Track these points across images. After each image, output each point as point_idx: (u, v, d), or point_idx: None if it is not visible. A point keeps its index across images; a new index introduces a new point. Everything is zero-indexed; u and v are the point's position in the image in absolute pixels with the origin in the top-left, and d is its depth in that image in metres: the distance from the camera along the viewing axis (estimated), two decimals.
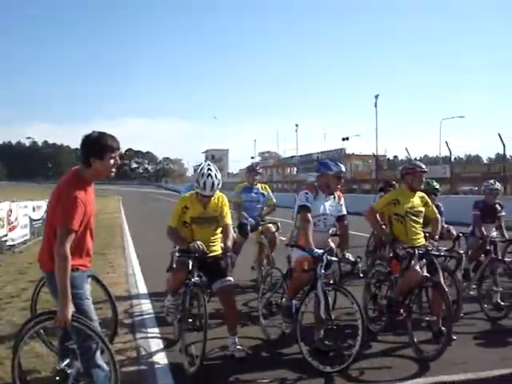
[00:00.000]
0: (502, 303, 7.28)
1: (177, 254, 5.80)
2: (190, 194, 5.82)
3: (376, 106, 63.11)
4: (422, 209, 6.21)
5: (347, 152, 72.86)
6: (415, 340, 5.66)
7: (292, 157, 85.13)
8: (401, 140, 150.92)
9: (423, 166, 6.27)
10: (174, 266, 5.71)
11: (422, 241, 6.15)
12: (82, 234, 3.97)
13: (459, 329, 6.55)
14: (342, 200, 5.94)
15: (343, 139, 75.10)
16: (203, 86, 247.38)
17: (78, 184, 3.92)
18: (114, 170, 4.07)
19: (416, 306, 5.91)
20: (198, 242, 5.46)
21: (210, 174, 5.50)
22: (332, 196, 5.83)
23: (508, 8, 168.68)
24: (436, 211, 6.44)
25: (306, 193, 5.72)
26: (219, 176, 5.59)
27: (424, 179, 6.38)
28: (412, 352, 5.65)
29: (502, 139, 23.85)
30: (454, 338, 6.03)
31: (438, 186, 7.93)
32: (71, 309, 3.74)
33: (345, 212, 5.93)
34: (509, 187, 40.13)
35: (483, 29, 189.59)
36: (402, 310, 6.05)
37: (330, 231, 6.20)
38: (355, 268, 5.54)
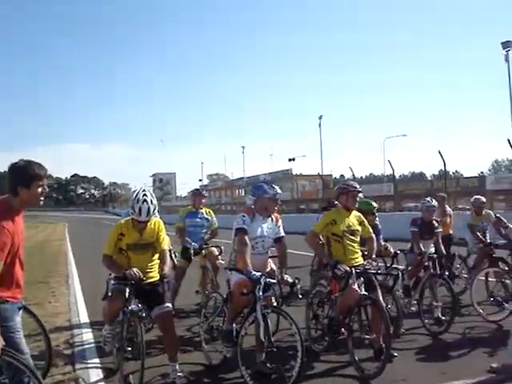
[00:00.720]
0: (443, 318, 7.40)
1: (112, 282, 5.69)
2: (125, 221, 5.72)
3: (320, 127, 64.15)
4: (359, 228, 6.27)
5: (294, 172, 73.67)
6: (356, 358, 5.70)
7: (240, 178, 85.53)
8: (346, 159, 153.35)
9: (356, 186, 6.36)
10: (110, 294, 5.60)
11: (359, 260, 6.20)
12: (10, 265, 3.85)
13: (400, 345, 6.65)
14: (280, 222, 5.95)
15: (290, 160, 75.96)
16: (151, 110, 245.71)
17: (5, 214, 3.82)
18: (42, 198, 3.97)
19: (357, 325, 5.97)
20: (135, 269, 5.36)
21: (145, 200, 5.43)
22: (269, 218, 5.83)
23: (443, 22, 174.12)
24: (371, 230, 6.51)
25: (243, 216, 5.70)
26: (155, 201, 5.53)
27: (359, 198, 6.46)
28: (354, 371, 5.67)
29: (442, 156, 24.47)
30: (395, 354, 6.12)
31: (376, 206, 8.04)
32: (1, 342, 3.61)
33: (282, 234, 5.93)
34: (452, 202, 41.23)
35: (420, 45, 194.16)
36: (342, 329, 6.07)
37: (269, 253, 6.20)
38: (294, 289, 5.53)
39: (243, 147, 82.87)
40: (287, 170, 74.91)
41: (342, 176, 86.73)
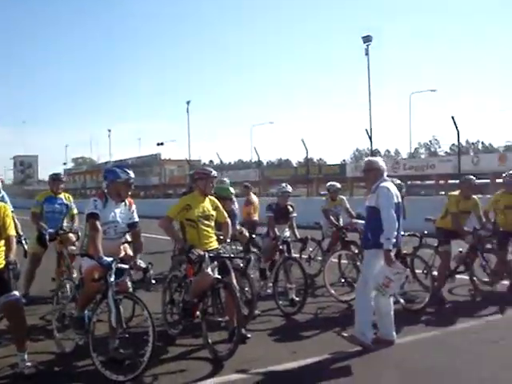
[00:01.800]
0: (297, 299, 7.69)
1: None
2: None
3: (188, 112, 64.11)
4: (214, 213, 6.32)
5: (162, 157, 73.05)
6: (210, 341, 5.76)
7: (106, 162, 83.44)
8: (215, 145, 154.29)
9: (214, 172, 6.41)
10: None
11: (214, 244, 6.25)
12: None
13: (255, 326, 6.82)
14: (134, 207, 5.85)
15: (158, 144, 75.22)
16: (11, 89, 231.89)
17: None
18: None
19: (212, 308, 6.04)
20: None
21: None
22: (123, 203, 5.74)
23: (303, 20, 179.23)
24: (226, 215, 6.59)
25: (95, 200, 5.56)
26: None
27: (215, 184, 6.52)
28: (208, 353, 5.74)
29: (304, 144, 25.27)
30: (249, 335, 6.26)
31: (233, 192, 8.17)
32: None
33: (136, 219, 5.85)
34: (314, 188, 42.86)
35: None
36: (197, 313, 6.12)
37: (125, 238, 6.12)
38: (147, 275, 5.49)
39: (109, 130, 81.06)
40: (155, 155, 74.15)
41: (210, 161, 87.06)
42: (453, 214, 8.48)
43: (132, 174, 5.71)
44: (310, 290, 8.93)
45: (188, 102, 65.83)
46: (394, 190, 6.25)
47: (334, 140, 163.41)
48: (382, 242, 5.87)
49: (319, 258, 10.39)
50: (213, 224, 6.34)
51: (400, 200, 6.37)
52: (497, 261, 8.54)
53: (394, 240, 5.93)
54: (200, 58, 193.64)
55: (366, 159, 6.82)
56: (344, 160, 79.89)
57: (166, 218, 6.18)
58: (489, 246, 9.01)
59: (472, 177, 8.80)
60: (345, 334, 6.08)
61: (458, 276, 8.76)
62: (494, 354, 5.71)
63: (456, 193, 8.78)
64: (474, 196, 8.76)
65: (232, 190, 8.14)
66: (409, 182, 49.79)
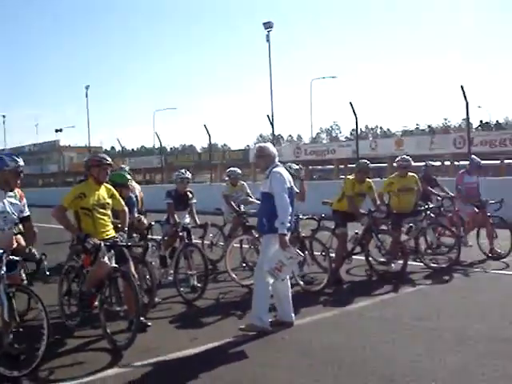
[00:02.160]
0: (199, 285, 7.69)
1: None
2: None
3: (87, 97, 62.41)
4: (109, 200, 6.17)
5: (62, 144, 70.76)
6: (108, 331, 5.65)
7: (3, 150, 79.83)
8: (117, 131, 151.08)
9: (108, 159, 6.25)
10: None
11: (111, 232, 6.11)
12: None
13: (156, 314, 6.79)
14: (24, 200, 5.58)
15: (57, 131, 72.85)
16: None
17: None
18: None
19: (111, 298, 5.93)
20: None
21: None
22: (12, 193, 5.48)
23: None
24: (123, 203, 6.46)
25: None
26: None
27: (109, 171, 6.35)
28: (107, 343, 5.64)
29: (207, 129, 25.18)
30: (149, 324, 6.22)
31: (130, 178, 8.01)
32: None
33: (28, 213, 5.59)
34: (218, 174, 42.93)
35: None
36: (96, 303, 5.99)
37: (17, 229, 5.89)
38: (41, 266, 5.30)
39: (4, 116, 77.61)
40: (54, 142, 71.66)
41: (112, 148, 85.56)
42: (348, 197, 8.76)
43: (21, 162, 5.45)
44: (212, 275, 9.02)
45: (87, 87, 64.06)
46: (287, 174, 6.33)
47: (238, 126, 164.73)
48: (277, 227, 5.94)
49: (221, 244, 10.43)
50: (109, 212, 6.18)
51: (293, 185, 6.46)
52: (391, 241, 8.90)
53: (289, 224, 6.01)
54: (101, 43, 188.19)
55: (257, 145, 6.85)
56: (248, 145, 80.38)
57: (59, 208, 5.94)
58: (384, 227, 9.38)
59: (366, 161, 9.12)
60: (242, 327, 6.07)
61: (354, 257, 9.09)
62: (388, 331, 5.94)
63: (351, 176, 9.08)
64: (369, 179, 9.09)
65: (129, 176, 7.97)
66: (310, 167, 51.12)
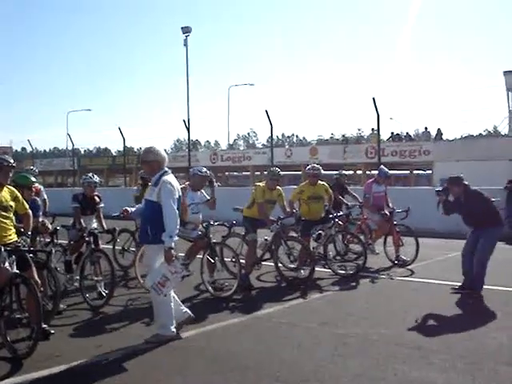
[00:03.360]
0: (105, 291, 7.52)
1: None
2: None
3: None
4: (12, 203, 5.94)
5: None
6: (9, 339, 5.45)
7: None
8: (28, 132, 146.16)
9: (10, 160, 6.01)
10: None
11: (13, 237, 5.88)
12: None
13: (60, 321, 6.62)
14: None
15: None
16: None
17: None
18: None
19: (12, 304, 5.70)
20: None
21: None
22: None
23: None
24: (27, 206, 6.23)
25: None
26: None
27: (11, 173, 6.10)
28: (7, 352, 5.42)
29: (121, 133, 24.79)
30: (52, 331, 6.05)
31: (34, 180, 7.74)
32: None
33: None
34: (134, 177, 42.29)
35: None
36: None
37: None
38: None
39: None
40: None
41: (23, 149, 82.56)
42: (258, 204, 8.84)
43: None
44: (123, 281, 8.91)
45: None
46: (176, 183, 6.06)
47: (155, 130, 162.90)
48: (164, 240, 5.70)
49: (133, 250, 10.23)
50: (11, 216, 5.95)
51: (181, 194, 6.21)
52: (300, 248, 9.03)
53: (176, 238, 5.78)
54: (10, 38, 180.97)
55: (144, 148, 6.42)
56: (165, 150, 79.98)
57: None
58: (293, 233, 9.52)
59: (277, 168, 9.24)
60: (147, 338, 5.86)
61: (264, 263, 9.18)
62: (295, 336, 6.02)
63: (262, 184, 9.18)
64: (279, 187, 9.20)
65: (33, 178, 7.68)
66: (226, 173, 51.25)
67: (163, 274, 5.78)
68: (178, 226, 5.79)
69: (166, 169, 6.07)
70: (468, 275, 7.76)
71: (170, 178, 5.98)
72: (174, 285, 6.03)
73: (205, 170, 8.60)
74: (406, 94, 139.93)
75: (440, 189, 8.19)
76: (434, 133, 35.59)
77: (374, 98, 17.14)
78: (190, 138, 28.35)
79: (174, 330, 5.96)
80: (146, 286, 6.43)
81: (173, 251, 5.73)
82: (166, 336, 5.86)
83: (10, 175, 6.02)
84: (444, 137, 35.17)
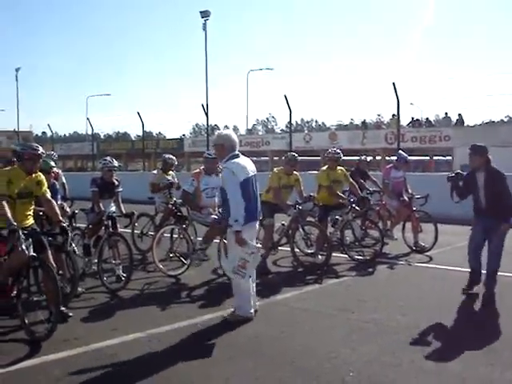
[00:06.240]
0: (124, 275, 7.58)
1: None
2: None
3: (17, 80, 60.72)
4: (35, 189, 5.97)
5: None
6: (26, 321, 5.51)
7: None
8: (49, 116, 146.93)
9: (40, 149, 5.97)
10: None
11: (30, 221, 5.97)
12: None
13: (78, 304, 6.68)
14: None
15: None
16: None
17: None
18: None
19: (30, 287, 5.76)
20: None
21: None
22: None
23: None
24: (49, 192, 6.24)
25: None
26: None
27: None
28: (25, 334, 5.49)
29: (140, 117, 24.81)
30: (70, 314, 6.10)
31: (53, 165, 7.79)
32: None
33: None
34: (152, 162, 42.49)
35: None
36: (14, 293, 5.81)
37: None
38: None
39: None
40: None
41: (43, 133, 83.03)
42: (274, 189, 8.82)
43: None
44: (141, 265, 8.97)
45: (17, 69, 62.05)
46: (244, 164, 6.11)
47: (174, 115, 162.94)
48: (230, 224, 5.88)
49: (151, 234, 10.25)
50: (32, 201, 6.02)
51: (255, 172, 6.27)
52: (317, 234, 9.01)
53: (242, 221, 5.84)
54: (32, 24, 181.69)
55: (216, 132, 6.65)
56: (183, 135, 79.70)
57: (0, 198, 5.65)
58: (311, 219, 9.49)
59: (294, 153, 9.21)
60: (226, 316, 6.11)
61: (280, 248, 9.16)
62: (310, 321, 6.04)
63: (279, 169, 9.16)
64: (296, 172, 9.17)
65: (53, 163, 7.73)
66: None
67: (240, 257, 5.93)
68: (241, 210, 5.84)
69: (237, 152, 6.13)
70: (476, 273, 7.13)
71: (235, 161, 6.04)
72: (255, 265, 6.19)
73: (214, 152, 8.63)
74: (426, 79, 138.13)
75: (452, 174, 7.43)
76: (454, 118, 35.01)
77: (394, 83, 16.96)
78: (209, 123, 28.31)
79: (252, 311, 6.09)
80: (226, 272, 6.53)
81: (241, 234, 5.84)
82: (242, 316, 6.01)
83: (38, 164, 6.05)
84: (466, 123, 34.67)
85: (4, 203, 5.59)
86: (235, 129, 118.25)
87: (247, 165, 6.16)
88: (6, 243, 5.65)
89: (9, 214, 5.52)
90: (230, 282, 6.51)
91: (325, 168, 9.74)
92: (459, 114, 34.26)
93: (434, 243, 9.96)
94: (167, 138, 57.16)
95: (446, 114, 37.27)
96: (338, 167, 9.86)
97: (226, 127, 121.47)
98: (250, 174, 6.10)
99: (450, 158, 35.22)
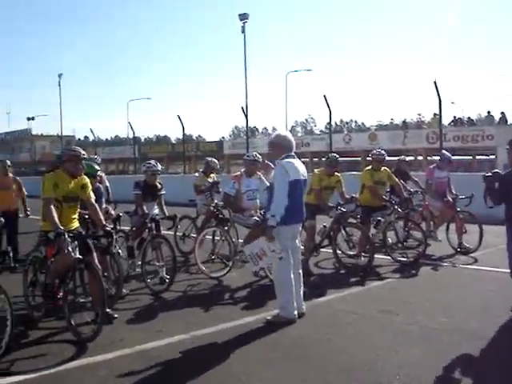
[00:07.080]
0: (167, 277, 7.64)
1: None
2: None
3: (60, 86, 61.95)
4: (80, 192, 6.07)
5: (34, 132, 69.87)
6: (73, 323, 5.59)
7: None
8: (90, 121, 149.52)
9: (83, 152, 6.12)
10: None
11: (75, 224, 6.08)
12: None
13: (123, 306, 6.75)
14: None
15: (29, 119, 71.95)
16: None
17: None
18: None
19: (76, 289, 5.86)
20: None
21: None
22: None
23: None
24: (92, 195, 6.32)
25: None
26: None
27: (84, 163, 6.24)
28: (72, 335, 5.58)
29: (181, 120, 25.01)
30: (116, 315, 6.18)
31: (99, 169, 7.91)
32: None
33: None
34: (192, 165, 42.81)
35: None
36: (60, 294, 5.92)
37: None
38: (6, 257, 5.22)
39: None
40: (26, 130, 70.67)
41: (86, 137, 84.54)
42: (315, 191, 8.79)
43: None
44: (184, 267, 9.01)
45: (60, 75, 63.29)
46: (297, 166, 6.21)
47: (213, 117, 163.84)
48: (267, 218, 5.95)
49: (193, 236, 10.32)
50: (77, 205, 6.13)
51: (305, 177, 6.38)
52: (360, 235, 8.94)
53: (278, 218, 5.90)
54: (73, 28, 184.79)
55: (275, 132, 6.81)
56: (223, 137, 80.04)
57: (48, 201, 5.77)
58: (353, 220, 9.43)
59: (335, 155, 9.17)
60: (268, 318, 6.10)
61: (322, 250, 9.13)
62: (354, 324, 5.99)
63: (319, 170, 9.13)
64: (338, 173, 9.12)
65: (97, 167, 7.86)
66: None
67: (261, 248, 6.02)
68: (281, 208, 5.93)
69: (293, 153, 6.27)
70: None
71: (289, 160, 6.16)
72: (270, 262, 6.24)
73: (253, 154, 8.69)
74: (468, 78, 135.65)
75: (489, 174, 6.57)
76: (497, 117, 34.34)
77: (435, 82, 16.73)
78: (248, 125, 28.36)
79: (296, 313, 6.08)
80: (244, 250, 6.70)
81: (273, 230, 5.90)
82: (286, 318, 6.01)
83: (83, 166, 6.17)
84: (509, 121, 33.92)
85: (51, 207, 5.70)
86: (274, 130, 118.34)
87: (300, 168, 6.25)
88: (53, 246, 5.76)
89: (55, 218, 5.63)
90: (273, 283, 6.53)
91: (369, 168, 9.67)
92: (502, 113, 33.58)
93: (478, 244, 9.78)
94: (207, 140, 57.65)
95: (489, 112, 36.57)
96: (383, 168, 9.79)
97: (265, 129, 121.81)
98: (301, 178, 6.21)
99: (493, 157, 34.54)
